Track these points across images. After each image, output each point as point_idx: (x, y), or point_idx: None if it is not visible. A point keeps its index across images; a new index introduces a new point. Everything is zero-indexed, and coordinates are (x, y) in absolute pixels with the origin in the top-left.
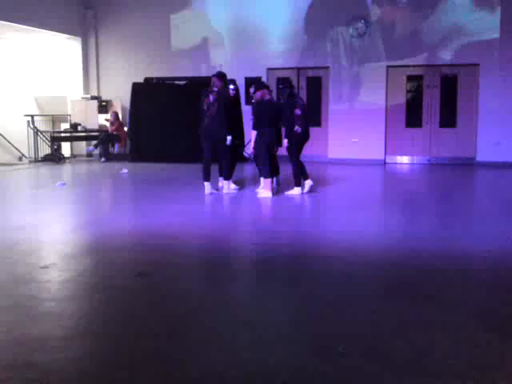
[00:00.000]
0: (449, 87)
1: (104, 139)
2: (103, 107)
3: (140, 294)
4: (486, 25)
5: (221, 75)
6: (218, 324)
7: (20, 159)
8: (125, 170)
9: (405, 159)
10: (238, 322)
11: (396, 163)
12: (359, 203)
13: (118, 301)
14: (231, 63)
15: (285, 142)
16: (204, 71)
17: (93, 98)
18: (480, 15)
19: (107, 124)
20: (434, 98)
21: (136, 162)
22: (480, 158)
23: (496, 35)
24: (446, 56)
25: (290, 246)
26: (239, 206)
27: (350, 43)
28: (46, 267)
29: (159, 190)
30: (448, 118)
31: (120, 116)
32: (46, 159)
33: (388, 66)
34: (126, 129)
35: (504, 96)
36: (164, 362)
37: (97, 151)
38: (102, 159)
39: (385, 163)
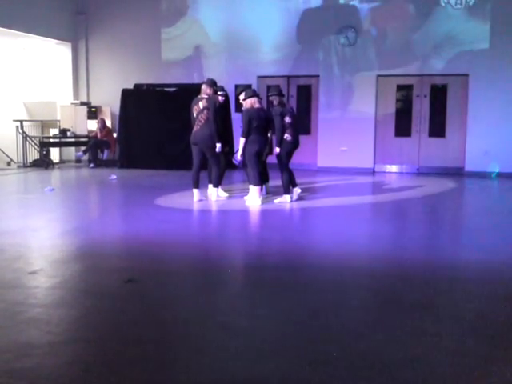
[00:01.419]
0: (438, 97)
1: (93, 145)
2: (93, 113)
3: (128, 300)
4: (477, 35)
5: (210, 82)
6: (205, 331)
7: (8, 164)
8: (113, 176)
9: (394, 168)
10: (226, 330)
11: (385, 172)
12: (348, 212)
13: (105, 307)
14: (222, 71)
15: (276, 150)
16: (196, 79)
17: (82, 103)
18: (471, 26)
19: (96, 130)
20: (424, 107)
21: (125, 168)
22: (469, 167)
23: (486, 45)
24: (436, 66)
25: (279, 255)
26: (227, 213)
27: (341, 52)
28: (33, 273)
29: (148, 196)
30: (437, 128)
31: (110, 122)
32: (35, 164)
33: (378, 76)
34: (115, 135)
35: (493, 106)
36: (151, 369)
37: (86, 157)
38: (91, 165)
39: (374, 172)
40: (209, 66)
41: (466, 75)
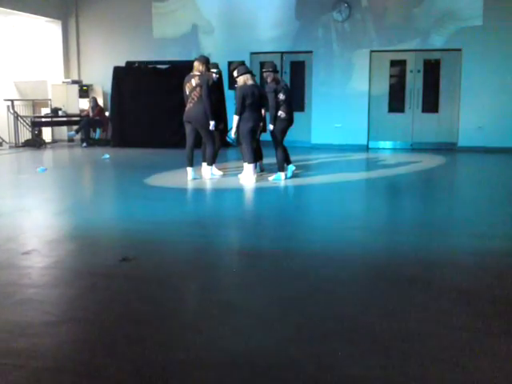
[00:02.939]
0: (432, 72)
1: (85, 124)
2: (84, 92)
3: (123, 279)
4: (470, 11)
5: (203, 59)
6: (202, 309)
7: (0, 144)
8: (107, 156)
9: (388, 144)
10: (222, 308)
11: (379, 148)
12: (342, 188)
13: (100, 286)
14: (216, 48)
15: (270, 127)
16: (192, 56)
17: (74, 82)
18: (466, 2)
19: (88, 109)
20: (417, 83)
21: (118, 147)
22: (462, 143)
23: (479, 22)
24: (429, 41)
25: (274, 232)
26: (222, 191)
27: (335, 28)
28: (26, 253)
29: (142, 175)
30: (431, 103)
31: (102, 101)
32: (27, 144)
33: (371, 51)
34: (107, 114)
35: (486, 81)
36: (147, 348)
37: (78, 136)
38: (84, 144)
39: (367, 148)
40: (203, 43)
41: (459, 50)
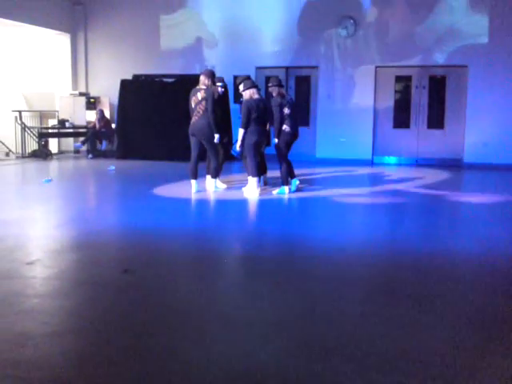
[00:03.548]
0: (437, 88)
1: (92, 136)
2: (91, 104)
3: (125, 291)
4: (476, 29)
5: (209, 73)
6: (203, 322)
7: (7, 155)
8: (112, 167)
9: (392, 159)
10: (223, 321)
11: (383, 163)
12: (346, 203)
13: (103, 298)
14: (222, 62)
15: (275, 140)
16: (198, 70)
17: (81, 94)
18: (472, 19)
19: (95, 121)
20: (423, 98)
21: (123, 159)
22: (468, 159)
23: (485, 40)
24: (435, 57)
25: (278, 246)
26: (225, 204)
27: (341, 44)
28: (31, 263)
29: (146, 187)
30: (436, 119)
31: (108, 113)
32: (33, 155)
33: (377, 67)
34: (113, 126)
35: (492, 98)
36: (147, 361)
37: (84, 148)
38: (89, 156)
39: (372, 163)
40: (209, 58)
41: (465, 66)
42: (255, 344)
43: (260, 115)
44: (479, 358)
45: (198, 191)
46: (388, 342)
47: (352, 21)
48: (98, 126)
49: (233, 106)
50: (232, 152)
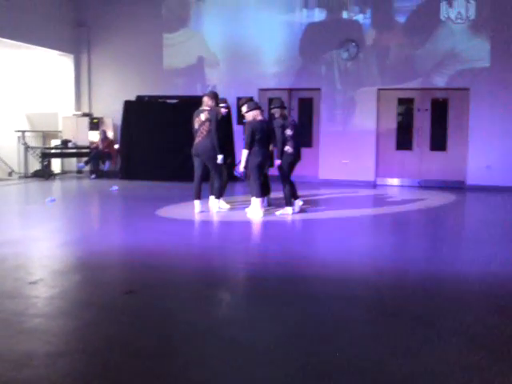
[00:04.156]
0: (440, 110)
1: (94, 156)
2: (94, 124)
3: (127, 312)
4: (477, 53)
5: (212, 95)
6: (205, 345)
7: (10, 174)
8: (115, 187)
9: (395, 181)
10: (227, 343)
11: (386, 185)
12: (350, 224)
13: (105, 319)
14: (224, 83)
15: (277, 162)
16: (199, 90)
17: (84, 114)
18: (473, 43)
19: (98, 141)
20: (425, 121)
21: (126, 179)
22: (470, 181)
23: (487, 64)
24: (437, 80)
25: (282, 267)
26: (229, 225)
27: (343, 66)
28: (34, 283)
29: (149, 207)
30: (438, 142)
31: (111, 133)
32: (36, 175)
33: (379, 89)
34: (116, 146)
35: (494, 120)
36: (150, 382)
37: (87, 168)
38: (92, 176)
39: (375, 185)
40: (211, 78)
41: (467, 89)
42: (259, 367)
43: (263, 137)
44: (484, 379)
45: (202, 211)
46: (393, 364)
47: (353, 43)
48: (101, 146)
49: (236, 127)
50: (235, 172)
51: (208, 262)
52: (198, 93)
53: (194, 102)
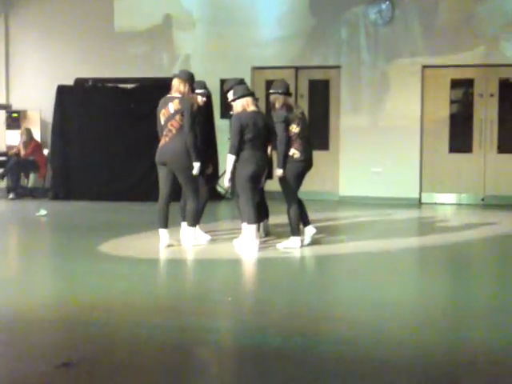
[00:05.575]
0: (511, 96)
1: (14, 167)
2: (14, 120)
3: None
4: None
5: (185, 76)
6: None
7: None
8: (43, 212)
9: (449, 198)
10: None
11: (435, 203)
12: (382, 263)
13: None
14: (202, 57)
15: (279, 172)
16: (165, 67)
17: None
18: None
19: (19, 145)
20: (490, 111)
21: (60, 199)
22: None
23: None
24: (506, 51)
25: (284, 329)
26: (210, 265)
27: (372, 33)
28: None
29: (93, 241)
30: (510, 141)
31: (39, 134)
32: None
33: (424, 66)
34: (46, 152)
35: None
36: None
37: (3, 184)
38: (11, 195)
39: (420, 203)
40: (183, 47)
41: None
42: None
43: (257, 135)
44: None
45: (170, 245)
46: None
47: (388, 1)
48: (23, 152)
49: (220, 123)
50: (218, 188)
51: (177, 319)
52: (165, 73)
53: (160, 86)
